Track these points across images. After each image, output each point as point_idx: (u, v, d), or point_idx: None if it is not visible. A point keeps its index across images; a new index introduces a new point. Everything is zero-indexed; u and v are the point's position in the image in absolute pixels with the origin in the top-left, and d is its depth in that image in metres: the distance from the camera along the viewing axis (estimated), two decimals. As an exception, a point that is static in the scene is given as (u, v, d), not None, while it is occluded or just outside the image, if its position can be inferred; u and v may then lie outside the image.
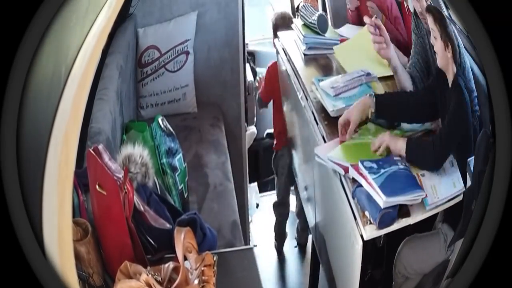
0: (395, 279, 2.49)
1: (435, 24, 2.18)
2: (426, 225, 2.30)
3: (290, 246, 4.15)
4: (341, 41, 3.24)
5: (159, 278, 1.78)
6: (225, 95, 3.77)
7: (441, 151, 2.23)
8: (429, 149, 2.26)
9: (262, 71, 4.39)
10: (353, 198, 2.28)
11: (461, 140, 2.16)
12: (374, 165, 2.30)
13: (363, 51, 2.89)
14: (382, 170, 2.27)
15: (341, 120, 2.53)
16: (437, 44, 2.19)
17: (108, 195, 1.85)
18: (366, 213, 2.21)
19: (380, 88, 2.83)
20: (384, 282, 2.68)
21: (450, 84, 2.21)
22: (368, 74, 2.80)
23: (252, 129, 4.00)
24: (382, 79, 2.94)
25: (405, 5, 2.96)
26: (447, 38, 2.15)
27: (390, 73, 2.80)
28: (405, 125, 2.55)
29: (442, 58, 2.22)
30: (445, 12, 2.16)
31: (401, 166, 2.30)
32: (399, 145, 2.32)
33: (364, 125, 2.59)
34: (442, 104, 2.31)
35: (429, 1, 2.38)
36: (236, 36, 3.65)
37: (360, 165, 2.29)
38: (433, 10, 2.19)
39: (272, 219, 4.43)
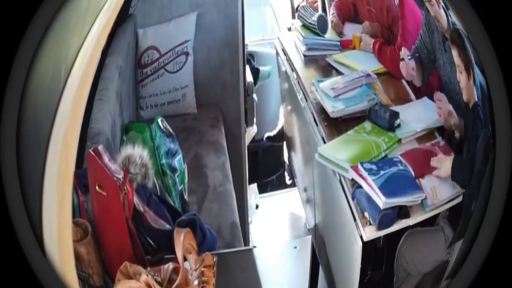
0: (397, 273, 2.49)
1: (459, 59, 2.13)
2: (428, 221, 2.30)
3: (290, 247, 4.14)
4: (341, 42, 3.24)
5: (159, 279, 1.78)
6: (224, 95, 3.78)
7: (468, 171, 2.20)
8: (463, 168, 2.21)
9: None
10: (353, 199, 2.28)
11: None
12: (374, 167, 2.30)
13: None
14: (382, 172, 2.28)
15: None
16: (462, 78, 2.15)
17: (108, 195, 1.85)
18: (366, 214, 2.21)
19: (380, 89, 2.84)
20: (384, 283, 2.68)
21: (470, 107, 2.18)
22: (368, 75, 2.81)
23: (254, 128, 4.00)
24: (380, 75, 2.95)
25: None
26: (469, 66, 2.10)
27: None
28: (403, 128, 2.55)
29: (467, 91, 2.18)
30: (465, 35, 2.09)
31: (401, 167, 2.30)
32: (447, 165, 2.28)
33: (361, 123, 2.60)
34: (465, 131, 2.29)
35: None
36: (235, 36, 3.65)
37: (359, 166, 2.30)
38: (457, 40, 2.14)
39: (272, 219, 4.43)
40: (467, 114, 2.21)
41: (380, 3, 3.15)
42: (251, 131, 3.91)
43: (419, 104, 2.66)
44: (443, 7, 2.36)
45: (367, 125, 2.57)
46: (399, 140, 2.50)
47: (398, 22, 3.04)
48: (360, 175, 2.28)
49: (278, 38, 3.52)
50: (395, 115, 2.53)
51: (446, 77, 2.55)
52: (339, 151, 2.46)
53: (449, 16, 2.34)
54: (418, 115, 2.56)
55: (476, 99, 2.09)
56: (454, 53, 2.12)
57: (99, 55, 1.37)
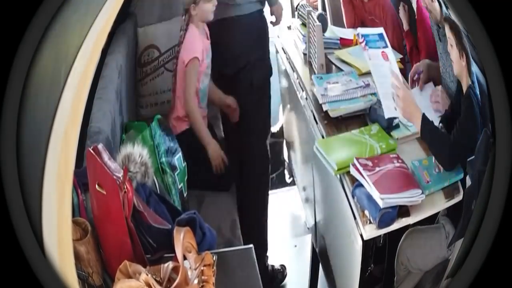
0: (397, 272, 2.49)
1: (451, 32, 2.16)
2: (428, 219, 2.31)
3: (289, 246, 4.14)
4: (341, 40, 3.24)
5: (159, 278, 1.78)
6: (224, 94, 3.76)
7: (455, 151, 2.21)
8: (446, 140, 2.23)
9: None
10: (353, 197, 2.28)
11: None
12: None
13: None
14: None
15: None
16: (453, 52, 2.17)
17: (107, 194, 1.85)
18: (366, 212, 2.21)
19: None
20: (385, 281, 2.68)
21: (464, 92, 2.20)
22: (367, 85, 2.78)
23: None
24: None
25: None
26: (462, 47, 2.13)
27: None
28: (402, 128, 2.55)
29: (457, 66, 2.20)
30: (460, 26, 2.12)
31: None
32: (415, 113, 2.29)
33: (368, 125, 2.60)
34: (454, 110, 2.30)
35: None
36: (235, 35, 3.64)
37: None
38: (450, 20, 2.18)
39: (271, 218, 4.41)
40: (459, 97, 2.23)
41: (380, 15, 3.16)
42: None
43: (420, 104, 2.65)
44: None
45: (374, 127, 2.56)
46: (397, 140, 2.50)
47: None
48: (357, 170, 2.29)
49: (278, 37, 3.52)
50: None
51: (443, 67, 2.55)
52: (333, 149, 2.47)
53: (442, 5, 2.36)
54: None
55: (470, 82, 2.11)
56: (446, 28, 2.16)
57: (99, 54, 1.37)
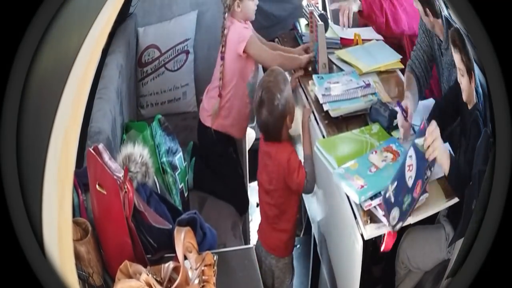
0: (398, 271, 2.49)
1: (461, 61, 2.10)
2: (428, 220, 2.30)
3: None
4: (341, 40, 3.24)
5: (159, 278, 1.78)
6: (225, 94, 3.76)
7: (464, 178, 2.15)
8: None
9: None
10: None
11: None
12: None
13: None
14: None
15: None
16: (464, 81, 2.14)
17: (108, 194, 1.85)
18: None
19: (381, 88, 2.83)
20: (385, 281, 2.68)
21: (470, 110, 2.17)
22: (368, 85, 2.78)
23: (252, 133, 3.98)
24: (380, 73, 2.96)
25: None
26: (471, 70, 2.09)
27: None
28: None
29: (468, 92, 2.17)
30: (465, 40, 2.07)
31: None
32: (444, 159, 2.22)
33: (368, 125, 2.60)
34: (462, 132, 2.29)
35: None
36: (236, 35, 3.64)
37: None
38: (458, 43, 2.12)
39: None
40: (465, 116, 2.21)
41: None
42: (250, 135, 3.90)
43: (421, 104, 2.65)
44: (440, 11, 2.36)
45: (374, 127, 2.56)
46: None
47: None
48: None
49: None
50: (395, 114, 2.53)
51: (445, 84, 2.54)
52: (333, 149, 2.47)
53: (449, 19, 2.34)
54: (419, 115, 2.55)
55: (476, 100, 2.09)
56: (456, 56, 2.11)
57: (99, 54, 1.37)
